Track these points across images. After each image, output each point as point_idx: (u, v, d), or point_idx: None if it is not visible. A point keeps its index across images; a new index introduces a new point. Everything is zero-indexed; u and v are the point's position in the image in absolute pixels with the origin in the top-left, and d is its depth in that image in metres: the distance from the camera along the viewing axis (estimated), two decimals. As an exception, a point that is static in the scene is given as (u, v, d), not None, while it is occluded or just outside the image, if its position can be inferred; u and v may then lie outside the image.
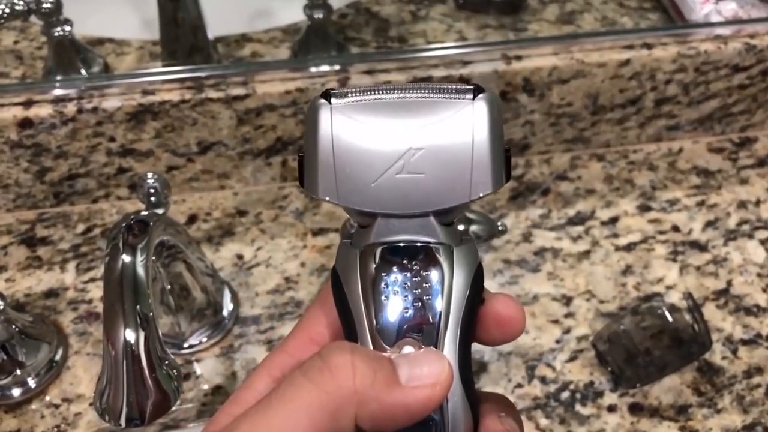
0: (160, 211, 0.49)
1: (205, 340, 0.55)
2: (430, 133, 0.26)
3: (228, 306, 0.56)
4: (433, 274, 0.26)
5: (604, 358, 0.54)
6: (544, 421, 0.51)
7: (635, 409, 0.52)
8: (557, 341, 0.56)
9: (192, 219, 0.64)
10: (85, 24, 0.64)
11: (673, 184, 0.67)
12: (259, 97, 0.60)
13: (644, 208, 0.65)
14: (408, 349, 0.26)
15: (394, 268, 0.26)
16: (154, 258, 0.47)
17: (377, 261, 0.27)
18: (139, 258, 0.41)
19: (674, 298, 0.58)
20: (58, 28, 0.60)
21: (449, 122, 0.26)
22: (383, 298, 0.26)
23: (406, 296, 0.26)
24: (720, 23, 0.67)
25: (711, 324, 0.56)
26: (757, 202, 0.66)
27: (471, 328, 0.27)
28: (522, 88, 0.63)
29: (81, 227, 0.63)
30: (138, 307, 0.40)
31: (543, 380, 0.54)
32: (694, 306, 0.53)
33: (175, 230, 0.49)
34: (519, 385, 0.53)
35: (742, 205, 0.66)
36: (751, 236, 0.63)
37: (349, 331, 0.27)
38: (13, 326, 0.51)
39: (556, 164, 0.69)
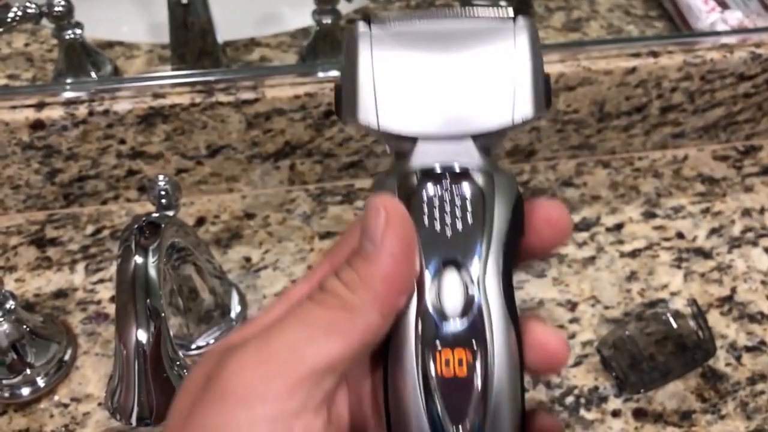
0: (170, 213, 0.49)
1: (212, 341, 0.55)
2: (472, 57, 0.26)
3: (236, 308, 0.57)
4: (474, 198, 0.26)
5: (608, 363, 0.54)
6: (548, 426, 0.52)
7: (639, 414, 0.52)
8: (562, 346, 0.56)
9: (200, 221, 0.64)
10: (95, 27, 0.65)
11: (678, 191, 0.68)
12: (268, 101, 0.60)
13: (649, 215, 0.65)
14: (450, 276, 0.25)
15: (435, 192, 0.26)
16: (164, 259, 0.48)
17: (417, 185, 0.26)
18: (151, 259, 0.42)
19: (679, 304, 0.59)
20: (69, 31, 0.61)
21: (490, 45, 0.26)
22: (424, 222, 0.25)
23: (448, 220, 0.25)
24: (726, 32, 0.67)
25: (715, 330, 0.57)
26: (762, 210, 0.66)
27: (513, 254, 0.26)
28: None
29: (90, 228, 0.63)
30: (150, 307, 0.40)
31: (548, 385, 0.54)
32: (699, 312, 0.54)
33: (184, 232, 0.49)
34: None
35: (746, 212, 0.66)
36: (755, 244, 0.63)
37: None
38: (24, 326, 0.51)
39: (562, 170, 0.69)
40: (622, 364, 0.53)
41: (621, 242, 0.63)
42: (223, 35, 0.65)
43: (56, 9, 0.59)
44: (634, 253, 0.62)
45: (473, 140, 0.26)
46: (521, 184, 0.68)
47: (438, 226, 0.25)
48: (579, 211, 0.66)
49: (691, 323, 0.54)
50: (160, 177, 0.50)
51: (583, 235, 0.64)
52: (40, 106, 0.59)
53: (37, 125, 0.59)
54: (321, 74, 0.62)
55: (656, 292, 0.60)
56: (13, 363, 0.51)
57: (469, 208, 0.26)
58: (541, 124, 0.67)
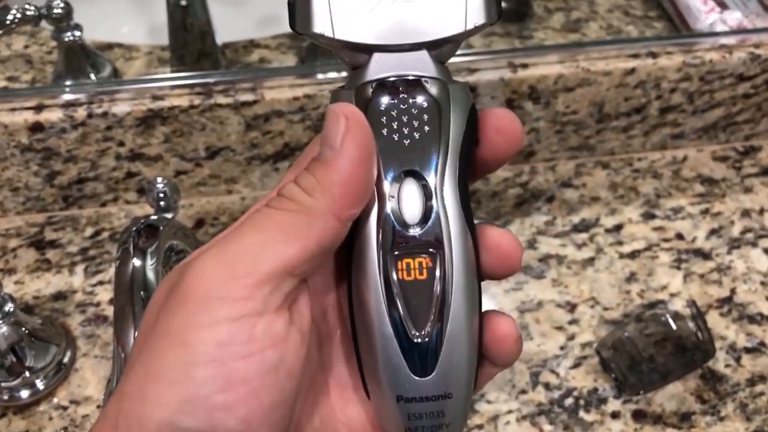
0: (169, 215, 0.49)
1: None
2: None
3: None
4: (430, 107, 0.26)
5: (608, 364, 0.54)
6: (548, 428, 0.52)
7: (639, 416, 0.52)
8: (561, 348, 0.56)
9: (200, 223, 0.64)
10: (94, 29, 0.65)
11: (677, 192, 0.68)
12: (267, 103, 0.60)
13: (648, 216, 0.65)
14: (409, 185, 0.26)
15: (390, 102, 0.26)
16: (163, 262, 0.48)
17: (372, 96, 0.26)
18: (149, 262, 0.42)
19: (678, 305, 0.59)
20: (69, 33, 0.61)
21: None
22: (382, 132, 0.26)
23: (404, 129, 0.26)
24: (725, 33, 0.67)
25: (714, 332, 0.57)
26: (761, 211, 0.66)
27: (469, 163, 0.27)
28: (528, 95, 0.64)
29: (89, 230, 0.63)
30: (148, 310, 0.40)
31: (547, 386, 0.54)
32: (698, 314, 0.54)
33: (183, 234, 0.49)
34: (523, 392, 0.54)
35: (746, 213, 0.66)
36: (755, 245, 0.63)
37: None
38: (23, 328, 0.51)
39: (561, 171, 0.69)
40: (621, 366, 0.53)
41: (620, 243, 0.63)
42: (222, 37, 0.65)
43: (55, 11, 0.59)
44: (633, 254, 0.62)
45: (428, 50, 0.27)
46: (520, 185, 0.68)
47: (396, 136, 0.26)
48: (578, 212, 0.66)
49: (691, 324, 0.54)
50: (159, 179, 0.50)
51: (582, 236, 0.64)
52: (39, 108, 0.59)
53: (36, 127, 0.59)
54: (320, 76, 0.62)
55: (656, 293, 0.60)
56: (12, 365, 0.51)
57: (424, 117, 0.26)
58: (540, 125, 0.67)
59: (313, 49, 0.66)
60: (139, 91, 0.60)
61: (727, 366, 0.55)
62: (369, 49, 0.27)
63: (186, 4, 0.62)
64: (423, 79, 0.27)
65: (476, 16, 0.27)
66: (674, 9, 0.72)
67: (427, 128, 0.26)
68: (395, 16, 0.26)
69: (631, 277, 0.61)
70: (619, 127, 0.69)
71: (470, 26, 0.27)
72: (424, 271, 0.26)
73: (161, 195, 0.49)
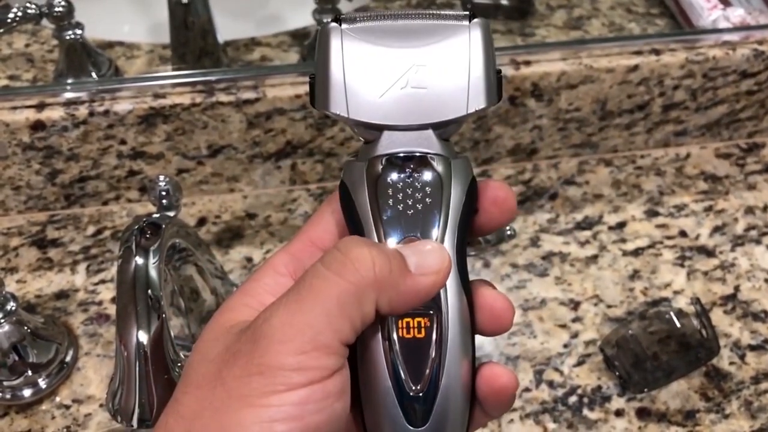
0: (171, 213, 0.49)
1: (214, 342, 0.55)
2: (432, 53, 0.29)
3: (237, 308, 0.57)
4: (433, 182, 0.29)
5: (611, 362, 0.54)
6: (551, 425, 0.52)
7: (643, 413, 0.52)
8: (565, 345, 0.56)
9: (202, 221, 0.64)
10: (95, 27, 0.65)
11: (680, 189, 0.68)
12: (269, 101, 0.60)
13: (652, 214, 0.65)
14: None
15: (398, 176, 0.29)
16: (165, 260, 0.47)
17: (382, 170, 0.29)
18: (152, 260, 0.42)
19: (682, 303, 0.58)
20: (70, 32, 0.61)
21: (449, 43, 0.29)
22: (389, 202, 0.29)
23: (409, 201, 0.29)
24: (728, 29, 0.67)
25: (718, 329, 0.56)
26: (765, 208, 0.66)
27: (466, 232, 0.29)
28: (530, 93, 0.64)
29: (91, 229, 0.63)
30: (150, 308, 0.40)
31: (551, 384, 0.54)
32: (702, 311, 0.54)
33: (185, 233, 0.49)
34: (527, 389, 0.53)
35: (749, 210, 0.66)
36: (758, 242, 0.63)
37: (356, 233, 0.29)
38: (25, 327, 0.51)
39: (564, 169, 0.69)
40: (625, 364, 0.53)
41: (623, 241, 0.63)
42: (223, 35, 0.65)
43: (56, 9, 0.59)
44: (636, 252, 0.62)
45: (433, 129, 0.29)
46: (523, 182, 0.68)
47: (401, 207, 0.29)
48: (581, 209, 0.65)
49: (695, 322, 0.54)
50: (161, 177, 0.49)
51: (585, 234, 0.63)
52: (40, 106, 0.59)
53: (37, 126, 0.58)
54: (322, 73, 0.62)
55: (659, 290, 0.59)
56: (15, 364, 0.51)
57: (428, 190, 0.29)
58: (543, 122, 0.66)
59: (314, 48, 0.65)
60: (140, 89, 0.60)
61: (731, 363, 0.55)
62: (380, 128, 0.29)
63: (187, 2, 0.62)
64: (429, 156, 0.29)
65: (477, 101, 0.29)
66: (677, 6, 0.72)
67: (429, 200, 0.29)
68: (404, 100, 0.29)
69: (635, 275, 0.60)
70: (622, 125, 0.68)
71: (471, 110, 0.29)
72: (423, 330, 0.28)
73: (163, 193, 0.49)
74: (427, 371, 0.28)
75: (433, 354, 0.28)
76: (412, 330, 0.28)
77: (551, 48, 0.65)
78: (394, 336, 0.28)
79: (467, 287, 0.29)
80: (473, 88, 0.29)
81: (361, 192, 0.29)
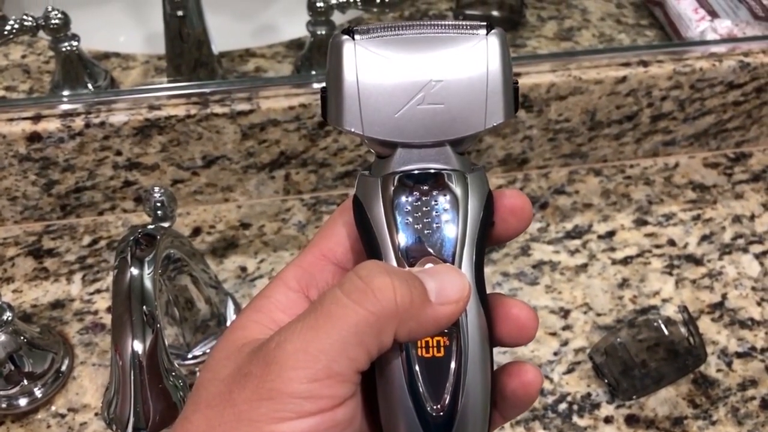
0: (166, 224, 0.50)
1: (208, 350, 0.56)
2: (449, 67, 0.28)
3: (231, 317, 0.57)
4: (450, 198, 0.28)
5: (601, 370, 0.55)
6: (542, 432, 0.52)
7: (631, 420, 0.53)
8: (555, 353, 0.57)
9: (196, 231, 0.65)
10: (91, 38, 0.65)
11: (669, 198, 0.68)
12: (263, 112, 0.61)
13: (641, 222, 0.66)
14: (429, 267, 0.28)
15: (415, 193, 0.28)
16: (160, 270, 0.48)
17: (398, 187, 0.28)
18: (147, 270, 0.42)
19: (670, 311, 0.59)
20: (66, 43, 0.62)
21: (466, 56, 0.28)
22: (406, 220, 0.28)
23: (426, 219, 0.28)
24: (715, 41, 0.68)
25: (706, 337, 0.57)
26: (752, 217, 0.67)
27: (484, 247, 0.29)
28: (521, 104, 0.64)
29: (87, 239, 0.64)
30: (145, 318, 0.41)
31: (541, 392, 0.54)
32: (690, 319, 0.54)
33: (180, 243, 0.50)
34: (517, 397, 0.54)
35: (737, 219, 0.67)
36: (745, 250, 0.64)
37: (372, 252, 0.28)
38: (21, 337, 0.52)
39: (554, 179, 0.70)
40: (614, 371, 0.54)
41: (613, 249, 0.64)
42: (218, 46, 0.66)
43: (53, 21, 0.60)
44: (625, 261, 0.63)
45: (449, 144, 0.29)
46: (514, 192, 0.68)
47: (419, 225, 0.28)
48: (571, 218, 0.66)
49: (683, 330, 0.55)
50: (156, 188, 0.50)
51: (575, 243, 0.64)
52: (36, 118, 0.59)
53: (33, 137, 0.59)
54: (315, 85, 0.62)
55: (648, 298, 0.60)
56: (11, 374, 0.51)
57: (445, 206, 0.28)
58: (534, 132, 0.67)
59: (308, 59, 0.66)
60: (136, 101, 0.60)
61: (718, 371, 0.56)
62: (396, 145, 0.29)
63: (182, 14, 0.62)
64: (445, 173, 0.29)
65: (496, 115, 0.28)
66: (666, 17, 0.73)
67: (446, 216, 0.28)
68: (421, 117, 0.28)
69: (624, 283, 0.61)
70: (611, 135, 0.69)
71: (489, 125, 0.28)
72: (442, 349, 0.28)
73: (158, 204, 0.50)
74: (447, 390, 0.27)
75: (453, 372, 0.27)
76: (431, 349, 0.27)
77: (541, 60, 0.66)
78: (413, 355, 0.27)
79: (485, 302, 0.29)
80: (491, 102, 0.28)
81: (377, 209, 0.28)
